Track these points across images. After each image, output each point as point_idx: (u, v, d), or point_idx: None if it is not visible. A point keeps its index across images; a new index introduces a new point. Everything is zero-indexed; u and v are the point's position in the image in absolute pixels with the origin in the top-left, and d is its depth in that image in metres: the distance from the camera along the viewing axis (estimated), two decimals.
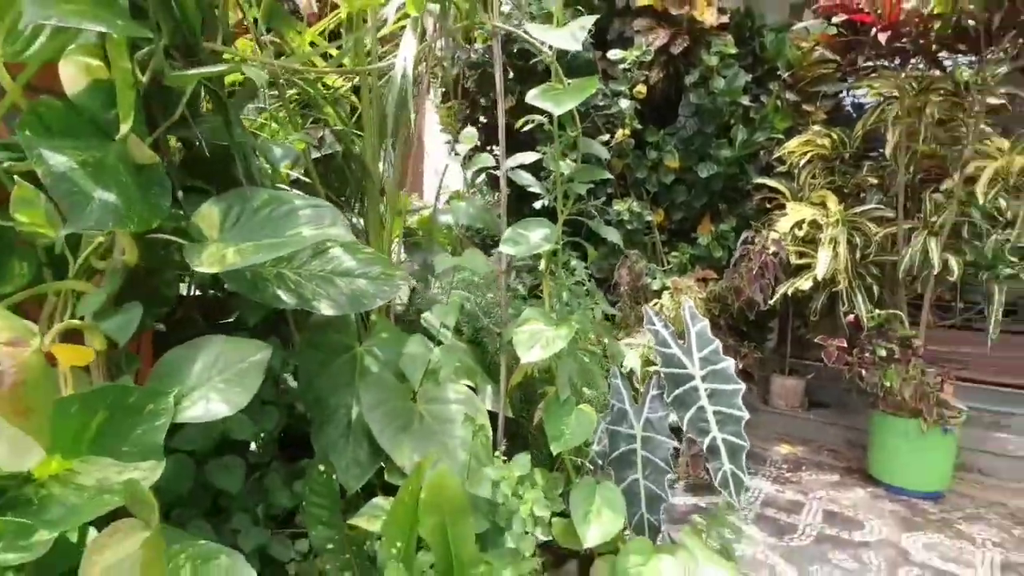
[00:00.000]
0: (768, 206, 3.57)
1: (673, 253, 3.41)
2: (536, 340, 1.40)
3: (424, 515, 1.03)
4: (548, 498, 1.42)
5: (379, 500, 1.23)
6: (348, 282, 1.21)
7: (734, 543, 2.59)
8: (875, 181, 3.30)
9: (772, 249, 3.00)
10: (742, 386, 1.64)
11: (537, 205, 3.03)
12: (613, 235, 1.62)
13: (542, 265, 1.55)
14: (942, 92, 2.93)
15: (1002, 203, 2.96)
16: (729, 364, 1.65)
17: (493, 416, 1.73)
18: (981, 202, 2.82)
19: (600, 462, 1.69)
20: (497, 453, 1.38)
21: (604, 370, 1.81)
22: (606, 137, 3.30)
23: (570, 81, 1.44)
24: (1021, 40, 2.51)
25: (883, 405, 3.12)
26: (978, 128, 2.92)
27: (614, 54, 3.30)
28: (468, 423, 1.28)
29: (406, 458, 1.29)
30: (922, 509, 2.97)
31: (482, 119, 4.01)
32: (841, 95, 3.67)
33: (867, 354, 3.03)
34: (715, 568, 1.60)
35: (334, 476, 1.18)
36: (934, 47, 2.77)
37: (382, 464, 1.35)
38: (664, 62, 3.36)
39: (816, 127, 3.32)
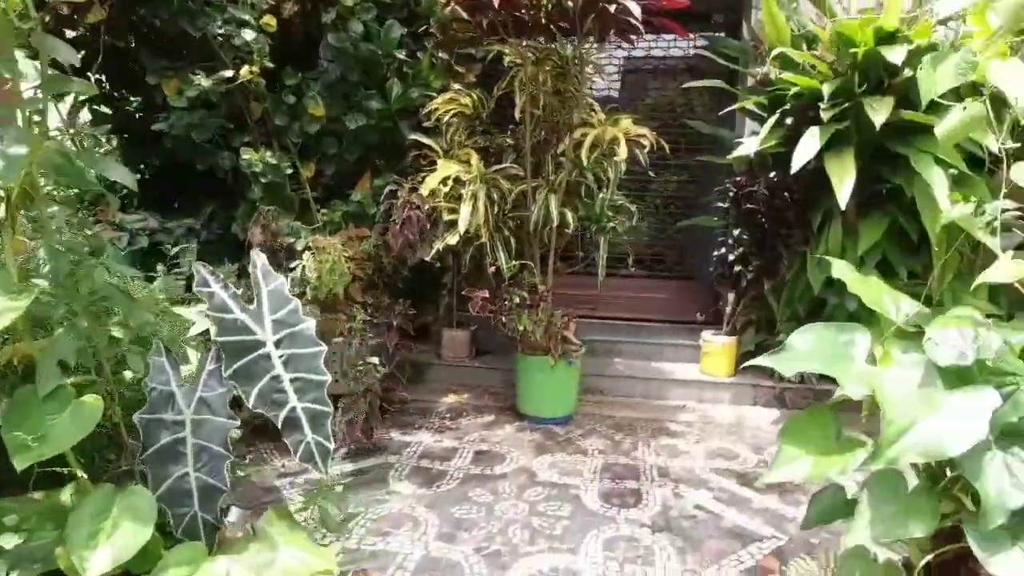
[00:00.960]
0: (423, 162, 3.59)
1: (323, 210, 3.17)
2: None
3: None
4: (21, 528, 1.04)
5: None
6: None
7: (385, 498, 2.57)
8: (511, 142, 3.57)
9: (416, 203, 2.99)
10: (323, 348, 1.50)
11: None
12: (126, 177, 1.27)
13: (1, 212, 1.13)
14: (554, 63, 3.27)
15: (606, 166, 3.49)
16: (309, 325, 1.49)
17: None
18: (585, 164, 3.25)
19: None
20: None
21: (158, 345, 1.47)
22: (230, 73, 2.83)
23: None
24: (600, 25, 2.91)
25: (522, 347, 3.46)
26: (583, 99, 3.35)
27: None
28: None
29: None
30: (554, 433, 3.41)
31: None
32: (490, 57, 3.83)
33: (506, 302, 3.29)
34: (294, 550, 1.44)
35: None
36: (544, 21, 3.04)
37: None
38: None
39: (457, 86, 3.42)
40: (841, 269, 1.40)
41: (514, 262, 3.35)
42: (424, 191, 3.21)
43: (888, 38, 3.05)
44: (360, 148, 3.38)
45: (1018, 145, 1.18)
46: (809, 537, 2.36)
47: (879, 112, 2.91)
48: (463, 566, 2.17)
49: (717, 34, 4.66)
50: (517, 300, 3.20)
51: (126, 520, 1.17)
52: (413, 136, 3.51)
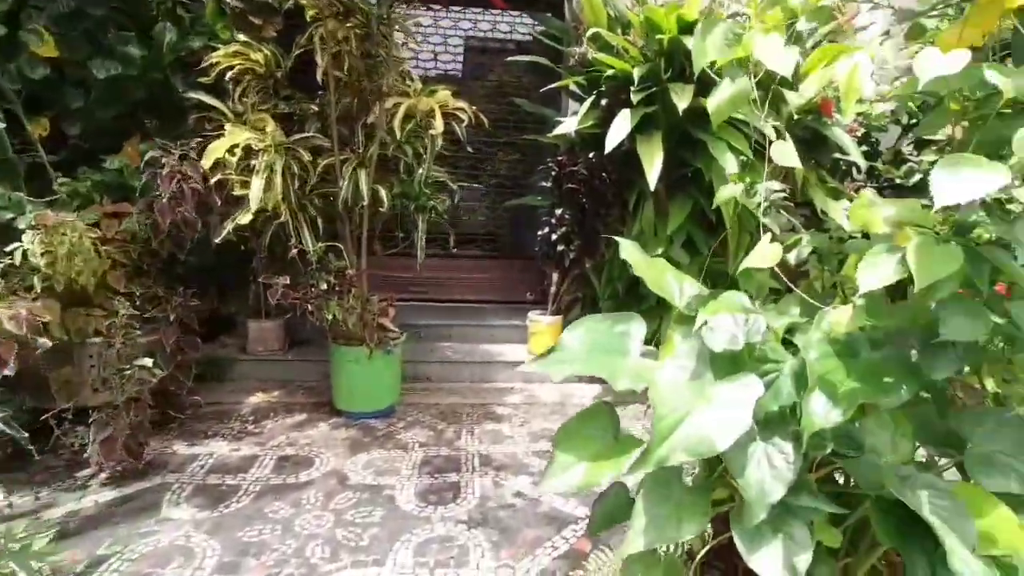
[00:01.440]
0: (209, 127, 3.04)
1: (62, 180, 2.53)
2: None
3: None
4: None
5: None
6: None
7: (154, 529, 2.12)
8: (316, 109, 3.17)
9: (187, 174, 2.50)
10: None
11: None
12: None
13: None
14: (358, 21, 2.93)
15: (425, 140, 3.24)
16: None
17: None
18: (399, 137, 2.98)
19: None
20: None
21: None
22: None
23: None
24: None
25: (335, 336, 3.13)
26: (396, 65, 3.05)
27: None
28: None
29: None
30: (373, 428, 3.14)
31: None
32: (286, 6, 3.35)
33: (312, 288, 2.94)
34: None
35: None
36: None
37: None
38: None
39: (243, 38, 2.92)
40: (628, 251, 1.32)
41: (321, 244, 2.99)
42: (207, 160, 2.70)
43: (689, 27, 3.17)
44: (119, 104, 2.75)
45: (777, 123, 1.19)
46: None
47: (682, 98, 3.03)
48: None
49: (547, 15, 4.62)
50: (324, 286, 2.86)
51: None
52: (191, 94, 2.95)
